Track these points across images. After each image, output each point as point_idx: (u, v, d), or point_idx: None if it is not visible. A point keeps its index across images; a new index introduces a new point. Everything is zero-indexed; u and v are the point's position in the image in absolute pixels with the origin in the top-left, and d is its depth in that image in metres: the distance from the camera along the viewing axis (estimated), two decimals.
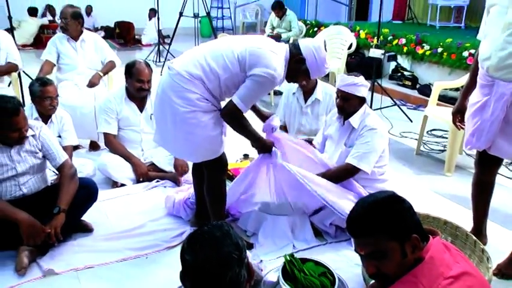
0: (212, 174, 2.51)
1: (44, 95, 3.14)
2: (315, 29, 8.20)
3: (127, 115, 3.44)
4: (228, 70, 2.27)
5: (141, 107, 3.48)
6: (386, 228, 1.38)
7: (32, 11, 10.20)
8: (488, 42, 2.24)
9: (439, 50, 5.91)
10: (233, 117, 2.34)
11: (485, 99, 2.27)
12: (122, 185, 3.34)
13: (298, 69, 2.38)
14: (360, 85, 2.67)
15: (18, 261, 2.33)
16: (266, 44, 2.31)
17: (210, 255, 1.20)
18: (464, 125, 2.53)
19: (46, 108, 3.17)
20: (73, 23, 4.02)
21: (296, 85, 3.49)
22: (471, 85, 2.45)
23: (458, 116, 2.60)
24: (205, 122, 2.30)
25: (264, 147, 2.59)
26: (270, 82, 2.26)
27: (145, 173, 3.38)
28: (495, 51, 2.17)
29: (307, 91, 3.53)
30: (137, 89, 3.36)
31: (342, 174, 2.71)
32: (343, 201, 2.58)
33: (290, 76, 2.41)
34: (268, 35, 7.68)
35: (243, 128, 2.42)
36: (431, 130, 4.64)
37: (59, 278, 2.32)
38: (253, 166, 2.76)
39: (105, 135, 3.44)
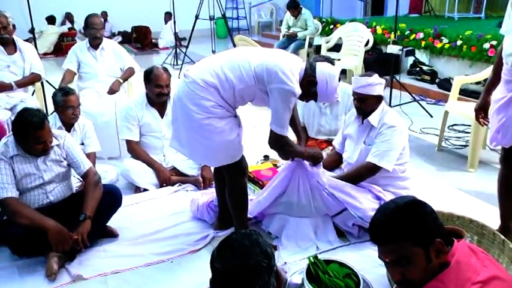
0: (232, 179, 2.53)
1: (66, 105, 3.20)
2: (331, 26, 8.16)
3: (148, 121, 3.48)
4: (244, 81, 2.30)
5: (162, 113, 3.51)
6: (409, 234, 1.37)
7: (51, 20, 10.38)
8: None
9: (459, 42, 5.82)
10: (280, 145, 2.39)
11: (510, 95, 2.23)
12: (145, 190, 3.38)
13: (308, 89, 2.39)
14: (375, 84, 2.65)
15: (48, 266, 2.38)
16: (283, 58, 2.32)
17: (239, 264, 1.22)
18: (487, 121, 2.49)
19: (69, 118, 3.24)
20: (103, 34, 4.15)
21: None
22: (494, 81, 2.41)
23: (482, 112, 2.56)
24: (221, 128, 2.33)
25: (314, 159, 2.61)
26: (291, 95, 2.28)
27: (168, 178, 3.42)
28: None
29: None
30: (156, 94, 3.40)
31: (363, 173, 2.70)
32: (364, 202, 2.61)
33: (300, 93, 2.40)
34: (284, 34, 7.69)
35: (292, 151, 2.50)
36: (452, 125, 4.58)
37: (87, 283, 2.37)
38: (288, 172, 2.74)
39: (128, 142, 3.49)
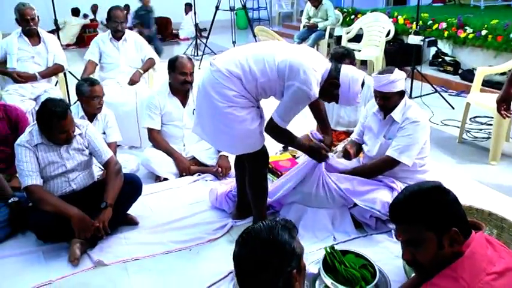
0: (253, 167, 2.56)
1: (92, 95, 3.26)
2: (352, 16, 8.05)
3: (170, 110, 3.52)
4: (266, 75, 2.32)
5: (184, 102, 3.55)
6: (424, 218, 1.39)
7: (75, 12, 10.52)
8: None
9: (483, 32, 5.68)
10: (276, 133, 2.42)
11: None
12: (165, 179, 3.44)
13: (330, 91, 2.39)
14: (397, 80, 2.61)
15: (71, 252, 2.46)
16: (308, 57, 2.32)
17: (247, 255, 1.25)
18: (510, 114, 2.45)
19: (94, 108, 3.30)
20: (125, 26, 4.24)
21: None
22: None
23: (504, 104, 2.52)
24: (242, 117, 2.36)
25: (314, 153, 2.63)
26: (305, 97, 2.30)
27: (188, 168, 3.46)
28: None
29: None
30: (181, 82, 3.45)
31: (382, 167, 2.70)
32: (379, 196, 2.63)
33: (321, 94, 2.39)
34: (305, 25, 7.64)
35: (289, 141, 2.58)
36: (474, 117, 4.50)
37: (108, 269, 2.43)
38: (309, 162, 2.76)
39: (149, 130, 3.53)
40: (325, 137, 2.83)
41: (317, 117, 2.86)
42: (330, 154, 2.76)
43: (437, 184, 1.46)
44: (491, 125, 4.17)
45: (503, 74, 4.80)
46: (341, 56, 3.35)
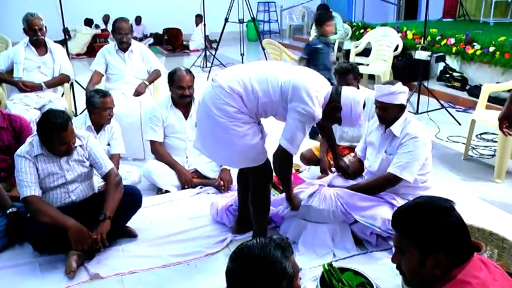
0: (257, 182, 2.55)
1: (104, 106, 3.29)
2: (361, 30, 8.07)
3: (173, 122, 3.53)
4: (269, 96, 2.32)
5: (186, 114, 3.56)
6: (413, 234, 1.40)
7: (88, 22, 10.69)
8: None
9: (491, 49, 5.66)
10: (284, 161, 2.41)
11: None
12: (167, 191, 3.43)
13: (332, 114, 2.40)
14: (398, 93, 2.61)
15: (68, 264, 2.45)
16: (311, 79, 2.33)
17: (237, 271, 1.24)
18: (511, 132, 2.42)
19: (105, 119, 3.33)
20: (130, 38, 4.24)
21: None
22: None
23: (506, 122, 2.50)
24: (243, 132, 2.35)
25: (291, 202, 2.65)
26: (310, 118, 2.30)
27: (190, 181, 3.46)
28: None
29: None
30: (179, 96, 3.46)
31: (384, 184, 2.68)
32: (380, 212, 2.61)
33: (323, 117, 2.40)
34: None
35: (288, 171, 2.54)
36: (481, 134, 4.47)
37: (104, 282, 2.42)
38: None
39: (152, 142, 3.54)
40: (342, 163, 2.93)
41: (328, 141, 2.94)
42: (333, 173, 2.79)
43: (447, 205, 1.42)
44: (497, 141, 4.12)
45: (510, 90, 4.75)
46: (345, 71, 3.35)
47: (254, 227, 2.67)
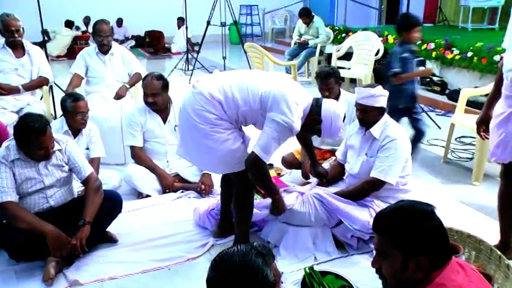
0: (240, 187, 2.55)
1: (76, 111, 3.23)
2: (343, 34, 8.14)
3: (151, 127, 3.51)
4: (249, 104, 2.32)
5: (165, 119, 3.54)
6: (395, 237, 1.41)
7: (68, 23, 10.55)
8: None
9: (469, 54, 5.77)
10: (256, 167, 2.35)
11: (510, 111, 2.22)
12: (147, 196, 3.40)
13: (312, 127, 2.42)
14: (378, 96, 2.64)
15: (46, 271, 2.41)
16: (292, 91, 2.33)
17: (217, 279, 1.23)
18: (489, 135, 2.47)
19: (78, 123, 3.27)
20: (111, 40, 4.19)
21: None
22: (496, 95, 2.40)
23: (483, 126, 2.54)
24: (224, 138, 2.35)
25: (278, 205, 2.58)
26: (287, 131, 2.29)
27: (171, 185, 3.44)
28: None
29: None
30: (145, 103, 3.45)
31: (367, 189, 2.70)
32: (360, 215, 2.63)
33: (303, 129, 2.41)
34: (296, 42, 7.70)
35: (263, 178, 2.47)
36: (460, 137, 4.54)
37: None
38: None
39: (131, 148, 3.52)
40: (320, 169, 2.93)
41: (305, 147, 2.94)
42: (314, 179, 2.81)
43: (428, 209, 1.44)
44: (475, 145, 4.19)
45: (487, 95, 4.84)
46: (326, 75, 3.37)
47: (236, 232, 2.66)
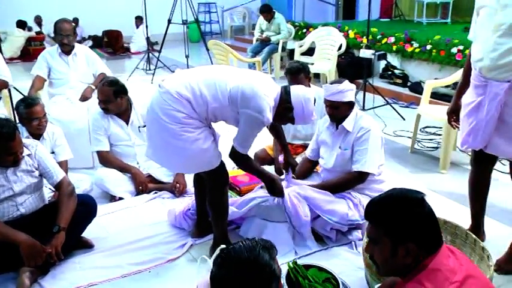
0: (213, 186, 2.52)
1: (30, 117, 3.08)
2: (304, 30, 8.22)
3: (116, 131, 3.44)
4: (218, 100, 2.30)
5: (127, 120, 3.47)
6: (385, 224, 1.46)
7: (21, 24, 10.12)
8: (480, 44, 2.26)
9: (428, 47, 5.96)
10: (238, 160, 2.46)
11: (480, 99, 2.29)
12: (120, 198, 3.33)
13: (284, 115, 2.44)
14: (346, 91, 2.68)
15: (20, 282, 2.30)
16: (260, 83, 2.32)
17: (229, 276, 1.22)
18: (459, 124, 2.55)
19: (34, 129, 3.13)
20: (74, 39, 4.05)
21: None
22: (464, 85, 2.48)
23: (453, 116, 2.63)
24: (194, 137, 2.32)
25: (273, 186, 2.62)
26: (260, 124, 2.31)
27: (145, 182, 3.38)
28: (487, 53, 2.19)
29: None
30: (100, 108, 3.40)
31: (353, 182, 2.74)
32: (339, 207, 2.67)
33: (276, 119, 2.45)
34: (258, 39, 7.71)
35: (250, 168, 2.60)
36: (424, 127, 4.67)
37: None
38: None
39: (98, 153, 3.43)
40: (292, 160, 2.99)
41: (277, 138, 2.97)
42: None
43: (419, 196, 1.48)
44: (439, 134, 4.34)
45: (447, 86, 5.03)
46: (296, 71, 3.39)
47: (214, 231, 2.64)
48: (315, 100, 2.45)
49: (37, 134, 3.18)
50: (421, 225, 1.43)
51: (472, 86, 2.37)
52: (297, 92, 2.41)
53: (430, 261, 1.40)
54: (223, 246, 2.04)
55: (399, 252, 1.43)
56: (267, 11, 7.56)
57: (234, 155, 2.40)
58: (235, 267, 1.23)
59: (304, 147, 3.52)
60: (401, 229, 1.43)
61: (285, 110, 2.41)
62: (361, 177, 2.71)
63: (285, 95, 2.40)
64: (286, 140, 3.06)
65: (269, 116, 2.30)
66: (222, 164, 2.50)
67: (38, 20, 10.67)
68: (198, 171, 2.54)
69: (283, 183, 2.90)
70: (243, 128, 2.32)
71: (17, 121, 3.15)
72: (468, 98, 2.41)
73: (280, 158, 3.49)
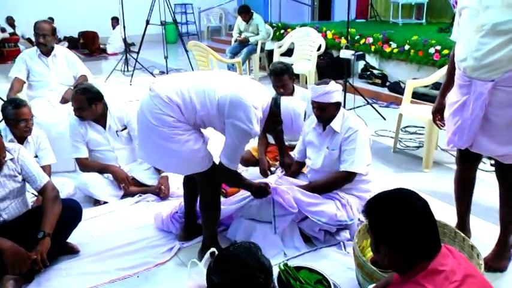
0: (205, 186, 2.51)
1: (18, 118, 3.02)
2: (282, 31, 8.24)
3: (94, 137, 3.38)
4: (206, 108, 2.29)
5: (104, 125, 3.41)
6: (373, 220, 1.51)
7: None
8: (463, 44, 2.30)
9: (406, 47, 6.05)
10: (227, 176, 2.45)
11: (464, 99, 2.33)
12: (105, 202, 3.27)
13: (274, 128, 2.46)
14: (333, 91, 2.69)
15: None
16: (249, 94, 2.28)
17: (237, 277, 1.21)
18: (444, 124, 2.59)
19: (22, 131, 3.06)
20: (52, 39, 3.95)
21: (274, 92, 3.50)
22: (449, 84, 2.52)
23: (438, 115, 2.66)
24: (185, 138, 2.31)
25: (260, 192, 2.64)
26: (247, 135, 2.30)
27: (126, 177, 3.33)
28: (470, 53, 2.23)
29: None
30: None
31: (341, 182, 2.75)
32: (327, 207, 2.67)
33: (265, 130, 2.46)
34: (236, 40, 7.70)
35: (238, 182, 2.63)
36: (405, 127, 4.74)
37: None
38: None
39: (77, 160, 3.38)
40: (286, 157, 3.00)
41: (274, 139, 2.99)
42: (279, 170, 2.81)
43: (419, 203, 1.52)
44: (421, 134, 4.41)
45: (426, 86, 5.12)
46: (280, 72, 3.39)
47: (204, 233, 2.62)
48: (305, 114, 2.44)
49: (22, 137, 3.11)
50: (410, 232, 1.44)
51: (457, 86, 2.41)
52: (287, 105, 2.37)
53: (429, 262, 1.42)
54: (213, 249, 2.05)
55: (381, 250, 1.48)
56: (245, 12, 7.55)
57: (223, 172, 2.36)
58: (241, 269, 1.23)
59: (291, 147, 3.53)
60: (384, 231, 1.47)
61: (274, 123, 2.40)
62: (349, 177, 2.72)
63: (275, 106, 2.38)
64: (283, 139, 3.06)
65: (256, 128, 2.28)
66: (214, 165, 2.48)
67: (11, 21, 10.38)
68: (190, 172, 2.51)
69: (274, 177, 2.90)
70: (230, 140, 2.30)
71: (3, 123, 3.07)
72: (453, 98, 2.44)
73: (267, 159, 3.50)
